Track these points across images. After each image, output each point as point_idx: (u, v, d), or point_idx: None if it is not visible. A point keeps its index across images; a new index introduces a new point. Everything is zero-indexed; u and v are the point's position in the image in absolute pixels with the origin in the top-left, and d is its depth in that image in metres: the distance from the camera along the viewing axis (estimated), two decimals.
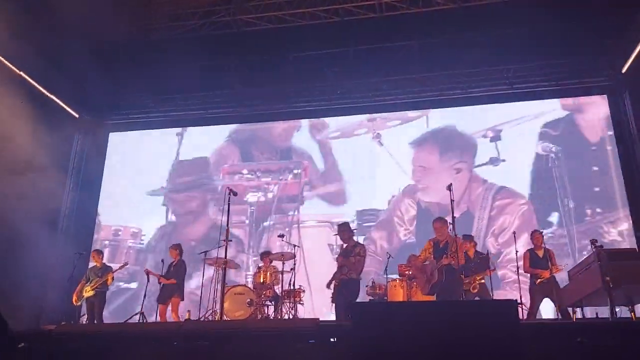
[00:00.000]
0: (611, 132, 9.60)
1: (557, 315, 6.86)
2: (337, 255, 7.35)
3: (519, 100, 10.23)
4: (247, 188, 10.86)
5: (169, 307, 8.15)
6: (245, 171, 11.06)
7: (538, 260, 7.31)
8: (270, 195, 10.77)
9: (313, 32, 9.56)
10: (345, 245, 7.38)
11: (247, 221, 10.65)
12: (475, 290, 7.23)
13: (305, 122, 11.14)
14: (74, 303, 8.32)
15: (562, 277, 7.07)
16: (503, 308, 4.12)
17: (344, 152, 10.72)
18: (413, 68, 10.08)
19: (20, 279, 8.72)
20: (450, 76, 10.28)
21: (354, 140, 10.83)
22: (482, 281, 7.32)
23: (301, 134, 11.12)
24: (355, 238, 7.65)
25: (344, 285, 7.01)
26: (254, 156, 11.16)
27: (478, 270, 7.35)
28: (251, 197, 10.82)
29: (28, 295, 8.51)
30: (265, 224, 10.57)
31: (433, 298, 6.74)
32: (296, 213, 10.56)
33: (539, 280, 7.13)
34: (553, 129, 9.90)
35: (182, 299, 8.24)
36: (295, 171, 10.84)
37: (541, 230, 7.70)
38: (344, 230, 7.37)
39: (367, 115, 10.90)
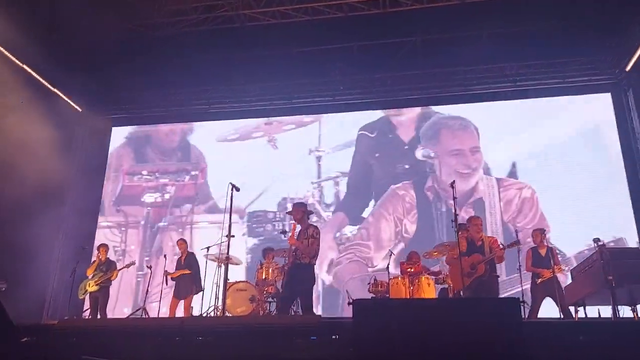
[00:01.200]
0: None
1: (559, 314, 6.84)
2: (287, 238, 6.58)
3: (522, 98, 10.21)
4: (145, 189, 11.16)
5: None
6: (144, 172, 11.31)
7: (540, 259, 7.29)
8: (167, 196, 11.04)
9: (317, 28, 9.53)
10: (298, 227, 6.66)
11: (142, 222, 10.94)
12: None
13: (200, 124, 11.50)
14: (79, 297, 8.36)
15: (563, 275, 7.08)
16: (505, 306, 4.12)
17: (240, 155, 11.00)
18: (417, 64, 10.06)
19: (23, 274, 8.75)
20: (453, 72, 10.26)
21: (250, 143, 11.15)
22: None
23: (200, 136, 11.47)
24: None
25: (296, 270, 6.36)
26: (150, 157, 11.44)
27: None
28: (148, 198, 11.08)
29: (31, 290, 8.53)
30: (161, 224, 10.84)
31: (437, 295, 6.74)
32: (191, 214, 10.90)
33: (540, 279, 7.12)
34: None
35: (200, 290, 8.30)
36: (193, 173, 11.15)
37: (543, 228, 7.65)
38: (297, 209, 6.64)
39: (265, 119, 11.25)
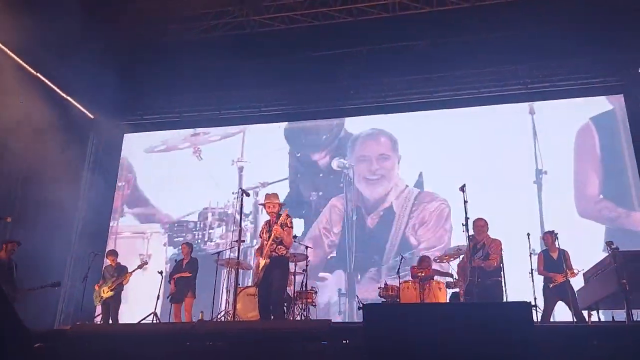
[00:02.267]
0: None
1: (572, 318, 6.76)
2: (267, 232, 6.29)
3: (533, 100, 10.15)
4: None
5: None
6: None
7: (552, 262, 7.20)
8: None
9: (326, 32, 9.56)
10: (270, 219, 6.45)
11: None
12: None
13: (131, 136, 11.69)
14: (95, 304, 8.43)
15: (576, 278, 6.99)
16: (517, 310, 4.08)
17: (166, 166, 11.26)
18: (427, 67, 10.04)
19: (36, 280, 8.83)
20: (463, 76, 10.22)
21: (177, 154, 11.39)
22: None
23: (128, 147, 11.67)
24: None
25: (276, 264, 6.13)
26: None
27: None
28: None
29: (43, 295, 8.60)
30: None
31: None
32: (116, 224, 11.12)
33: (552, 283, 7.04)
34: None
35: (195, 297, 8.32)
36: (119, 184, 11.38)
37: (553, 231, 7.47)
38: (275, 201, 6.39)
39: (192, 130, 11.50)
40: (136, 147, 11.68)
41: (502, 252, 6.82)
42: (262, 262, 6.18)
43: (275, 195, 6.54)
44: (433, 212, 9.87)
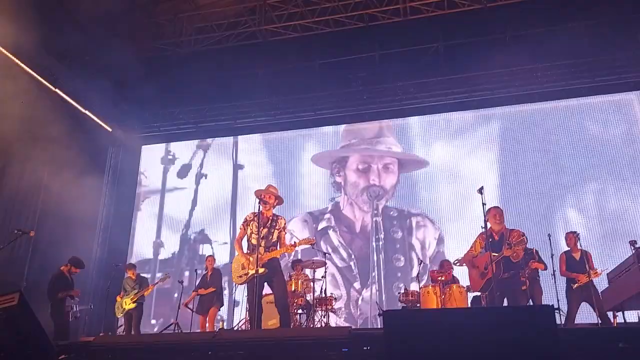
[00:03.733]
0: None
1: (597, 320, 6.64)
2: (257, 226, 5.74)
3: (551, 100, 10.04)
4: None
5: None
6: None
7: (574, 263, 7.09)
8: None
9: (338, 39, 9.60)
10: (265, 213, 5.89)
11: None
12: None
13: None
14: (116, 315, 8.51)
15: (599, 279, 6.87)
16: (540, 314, 4.03)
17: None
18: (440, 70, 10.01)
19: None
20: (477, 77, 10.16)
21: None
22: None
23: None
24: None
25: (274, 268, 5.74)
26: None
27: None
28: None
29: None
30: None
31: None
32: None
33: (576, 284, 6.93)
34: None
35: (221, 306, 8.42)
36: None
37: (575, 231, 7.38)
38: (274, 193, 5.99)
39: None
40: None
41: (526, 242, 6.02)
42: (260, 269, 5.63)
43: (275, 188, 6.15)
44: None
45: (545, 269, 7.24)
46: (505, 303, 5.75)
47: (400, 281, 9.33)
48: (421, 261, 8.23)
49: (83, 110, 10.51)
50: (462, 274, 8.12)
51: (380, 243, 9.87)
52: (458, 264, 7.84)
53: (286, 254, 6.66)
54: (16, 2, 7.63)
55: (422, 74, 10.14)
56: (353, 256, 9.87)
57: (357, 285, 9.64)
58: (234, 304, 8.78)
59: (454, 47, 9.69)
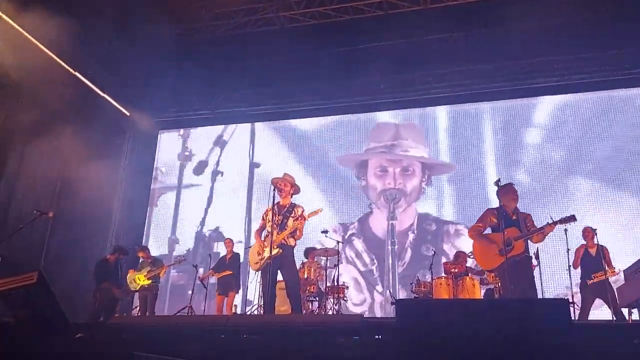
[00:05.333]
0: None
1: (612, 316, 6.58)
2: (269, 215, 5.82)
3: (569, 92, 9.89)
4: None
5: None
6: None
7: (590, 259, 7.03)
8: None
9: (356, 27, 9.51)
10: (281, 202, 6.00)
11: None
12: None
13: None
14: (130, 288, 8.61)
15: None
16: (554, 307, 4.00)
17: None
18: (459, 60, 9.89)
19: (76, 274, 9.14)
20: (497, 68, 10.02)
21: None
22: None
23: None
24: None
25: (286, 255, 5.82)
26: None
27: None
28: None
29: (83, 289, 8.89)
30: None
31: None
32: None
33: (591, 280, 6.86)
34: None
35: (238, 291, 8.52)
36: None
37: (591, 226, 7.24)
38: (290, 180, 6.07)
39: None
40: None
41: None
42: (273, 250, 5.73)
43: (291, 176, 6.20)
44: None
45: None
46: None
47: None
48: (434, 252, 8.20)
49: (101, 94, 10.61)
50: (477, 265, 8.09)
51: (396, 247, 9.79)
52: (472, 257, 7.82)
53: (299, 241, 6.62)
54: None
55: (442, 64, 10.03)
56: (375, 260, 9.80)
57: (379, 288, 9.60)
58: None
59: (474, 36, 9.55)
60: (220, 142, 11.66)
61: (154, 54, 9.58)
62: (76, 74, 9.76)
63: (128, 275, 8.60)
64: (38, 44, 8.83)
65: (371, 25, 9.45)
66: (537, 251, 7.02)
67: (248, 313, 7.95)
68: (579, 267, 7.13)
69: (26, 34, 8.60)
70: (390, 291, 8.82)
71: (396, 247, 9.79)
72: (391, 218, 10.01)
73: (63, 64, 9.47)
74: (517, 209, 5.75)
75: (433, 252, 8.14)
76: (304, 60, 10.18)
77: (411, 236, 9.84)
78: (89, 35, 8.92)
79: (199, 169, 11.56)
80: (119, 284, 8.21)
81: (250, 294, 8.96)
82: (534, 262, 6.98)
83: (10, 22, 8.35)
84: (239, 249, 9.28)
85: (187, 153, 11.79)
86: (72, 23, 8.10)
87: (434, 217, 9.91)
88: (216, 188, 11.27)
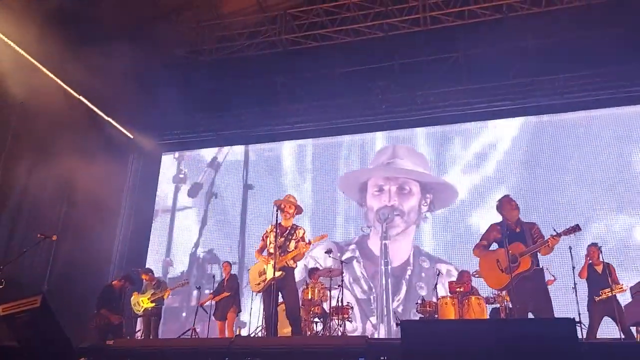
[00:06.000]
0: None
1: (619, 334, 6.50)
2: (273, 236, 5.80)
3: (571, 111, 9.92)
4: None
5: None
6: None
7: (597, 277, 6.97)
8: None
9: (358, 48, 9.63)
10: (283, 223, 5.99)
11: None
12: None
13: None
14: (135, 311, 8.58)
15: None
16: (561, 326, 3.96)
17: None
18: (460, 80, 9.97)
19: (79, 298, 9.10)
20: (497, 87, 10.08)
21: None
22: None
23: None
24: None
25: (288, 277, 5.81)
26: None
27: None
28: None
29: (87, 313, 8.85)
30: None
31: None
32: None
33: (598, 297, 6.80)
34: None
35: (239, 311, 8.46)
36: None
37: (596, 243, 7.20)
38: (294, 202, 6.05)
39: None
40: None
41: None
42: (277, 273, 5.67)
43: (294, 198, 6.21)
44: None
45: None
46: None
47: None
48: (439, 271, 8.15)
49: (105, 117, 10.71)
50: (482, 284, 8.03)
51: (389, 267, 9.64)
52: (477, 276, 7.76)
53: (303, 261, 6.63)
54: (40, 9, 7.81)
55: (442, 84, 10.10)
56: (374, 290, 9.59)
57: (373, 320, 9.37)
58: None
59: (474, 56, 9.64)
60: (214, 164, 11.71)
61: (158, 76, 9.69)
62: (81, 98, 9.86)
63: (132, 297, 8.57)
64: (42, 67, 8.95)
65: (372, 46, 9.57)
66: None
67: (251, 335, 7.87)
68: (586, 282, 7.06)
69: (32, 60, 8.73)
70: (395, 312, 8.73)
71: (389, 267, 9.62)
72: (384, 238, 9.83)
73: (68, 88, 9.58)
74: (521, 220, 5.52)
75: (437, 272, 8.10)
76: (306, 82, 10.28)
77: (408, 271, 9.62)
78: (92, 59, 9.05)
79: (194, 191, 11.60)
80: (119, 310, 8.07)
81: (243, 316, 8.85)
82: (551, 276, 6.91)
83: (15, 47, 8.48)
84: (233, 270, 9.23)
85: (181, 175, 11.83)
86: (77, 47, 8.23)
87: (426, 252, 9.74)
88: (210, 210, 11.28)
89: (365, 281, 9.77)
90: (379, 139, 10.93)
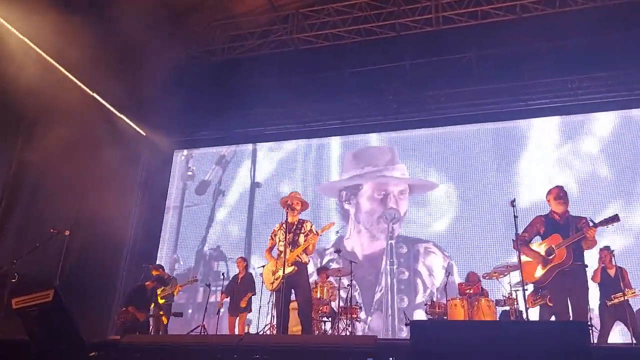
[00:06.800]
0: None
1: (631, 339, 6.44)
2: (283, 233, 5.83)
3: (582, 112, 9.83)
4: None
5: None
6: None
7: (609, 280, 6.91)
8: None
9: (370, 48, 9.61)
10: (290, 219, 6.01)
11: None
12: None
13: None
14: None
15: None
16: (573, 330, 3.93)
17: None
18: (471, 80, 9.90)
19: (91, 293, 9.18)
20: (509, 88, 10.01)
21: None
22: None
23: None
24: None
25: (300, 272, 5.78)
26: None
27: None
28: None
29: (98, 307, 8.93)
30: None
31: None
32: None
33: (610, 302, 6.74)
34: None
35: (250, 311, 8.51)
36: None
37: (608, 246, 7.09)
38: (297, 195, 6.12)
39: None
40: None
41: None
42: (288, 268, 5.70)
43: (299, 194, 6.27)
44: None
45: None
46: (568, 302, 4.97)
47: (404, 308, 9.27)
48: (448, 273, 8.12)
49: (119, 115, 10.78)
50: (491, 285, 8.00)
51: (395, 267, 9.69)
52: (487, 277, 7.73)
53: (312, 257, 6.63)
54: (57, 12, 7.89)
55: (454, 84, 10.04)
56: (357, 286, 9.57)
57: (362, 315, 9.15)
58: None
59: (486, 57, 9.59)
60: (222, 162, 11.77)
61: (170, 75, 9.73)
62: (94, 95, 9.94)
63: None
64: (58, 66, 9.04)
65: (384, 46, 9.55)
66: None
67: (261, 333, 7.89)
68: (598, 286, 6.99)
69: (45, 55, 8.81)
70: (405, 312, 8.71)
71: (395, 266, 9.70)
72: (390, 238, 9.94)
73: (82, 85, 9.66)
74: (568, 212, 5.20)
75: (447, 274, 8.08)
76: (317, 81, 10.28)
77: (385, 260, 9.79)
78: (106, 58, 9.12)
79: (201, 188, 11.66)
80: (147, 309, 8.15)
81: (250, 314, 8.86)
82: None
83: (30, 43, 8.57)
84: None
85: (189, 173, 11.92)
86: (91, 46, 8.29)
87: (403, 236, 9.87)
88: (217, 207, 11.35)
89: (346, 278, 9.84)
90: (388, 139, 10.89)
